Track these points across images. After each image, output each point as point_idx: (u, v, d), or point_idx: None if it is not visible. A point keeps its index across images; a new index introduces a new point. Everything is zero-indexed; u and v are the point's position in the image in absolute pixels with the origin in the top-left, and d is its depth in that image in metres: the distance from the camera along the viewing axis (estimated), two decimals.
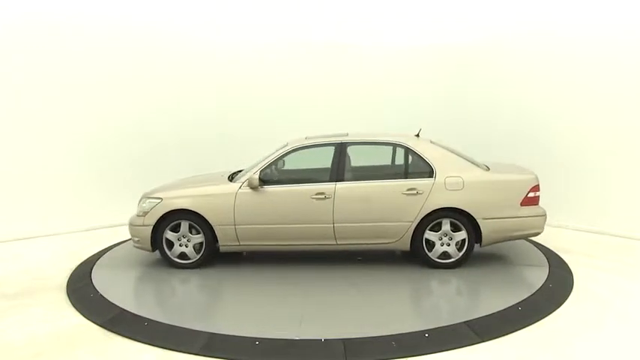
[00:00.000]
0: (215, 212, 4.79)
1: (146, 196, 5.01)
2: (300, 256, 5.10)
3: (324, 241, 4.78)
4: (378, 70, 8.48)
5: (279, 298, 4.11)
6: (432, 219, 4.65)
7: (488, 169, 4.91)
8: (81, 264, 5.11)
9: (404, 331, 3.37)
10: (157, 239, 4.87)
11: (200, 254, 4.91)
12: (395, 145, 5.07)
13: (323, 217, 4.69)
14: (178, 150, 7.45)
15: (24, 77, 6.25)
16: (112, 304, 3.94)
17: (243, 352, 3.18)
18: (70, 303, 4.07)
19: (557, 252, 5.25)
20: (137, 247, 5.02)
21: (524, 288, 4.18)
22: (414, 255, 4.78)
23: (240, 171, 5.28)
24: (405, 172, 4.96)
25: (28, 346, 3.29)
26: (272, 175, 4.96)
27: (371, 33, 8.43)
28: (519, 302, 3.86)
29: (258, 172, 4.79)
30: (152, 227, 4.83)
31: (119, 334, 3.45)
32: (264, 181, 4.79)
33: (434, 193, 4.65)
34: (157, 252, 4.98)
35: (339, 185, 4.72)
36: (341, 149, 4.86)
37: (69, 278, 4.68)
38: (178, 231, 4.87)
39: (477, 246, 4.77)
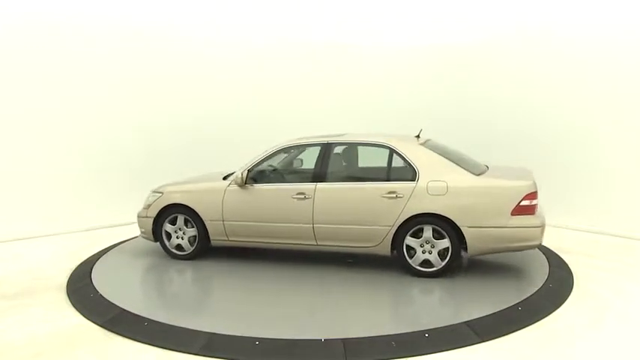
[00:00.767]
0: (206, 207, 5.02)
1: (152, 191, 5.43)
2: (300, 255, 5.10)
3: (305, 241, 4.78)
4: (378, 70, 8.49)
5: (280, 298, 4.11)
6: (413, 224, 4.40)
7: (480, 172, 4.56)
8: (81, 264, 5.11)
9: (404, 331, 3.37)
10: (157, 231, 5.21)
11: (194, 247, 5.15)
12: (380, 146, 4.79)
13: (303, 217, 4.70)
14: (178, 150, 7.45)
15: (24, 77, 6.24)
16: (112, 304, 3.94)
17: (243, 352, 3.18)
18: (70, 303, 4.07)
19: (557, 252, 5.25)
20: (144, 238, 5.42)
21: (524, 288, 4.18)
22: (396, 261, 4.59)
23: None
24: (387, 175, 4.69)
25: (28, 346, 3.29)
26: (260, 173, 5.02)
27: (371, 33, 8.44)
28: (519, 302, 3.86)
29: (246, 171, 4.91)
30: (153, 219, 5.20)
31: (119, 334, 3.45)
32: (254, 179, 4.92)
33: (415, 198, 4.38)
34: (157, 252, 5.08)
35: (320, 186, 4.70)
36: (326, 150, 4.84)
37: (69, 278, 4.68)
38: (176, 224, 5.17)
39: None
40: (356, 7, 8.32)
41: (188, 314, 3.80)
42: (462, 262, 4.82)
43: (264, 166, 5.04)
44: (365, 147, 5.00)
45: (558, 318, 3.65)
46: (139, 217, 5.38)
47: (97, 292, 4.23)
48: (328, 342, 3.25)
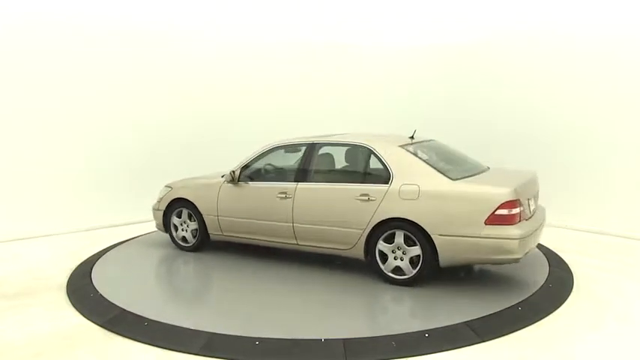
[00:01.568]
0: (204, 203, 5.30)
1: (164, 185, 5.75)
2: (302, 255, 5.10)
3: (287, 240, 4.83)
4: (378, 70, 8.49)
5: (280, 298, 4.11)
6: (386, 229, 4.23)
7: (462, 177, 4.27)
8: (81, 264, 5.10)
9: (404, 331, 3.37)
10: (167, 223, 5.60)
11: (195, 240, 5.44)
12: (360, 147, 4.70)
13: (284, 216, 4.75)
14: (179, 150, 7.45)
15: (23, 77, 6.24)
16: (112, 304, 3.94)
17: (243, 352, 3.18)
18: (70, 303, 4.07)
19: (557, 252, 5.25)
20: (158, 229, 5.81)
21: (524, 288, 4.17)
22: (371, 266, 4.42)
23: None
24: (362, 176, 4.63)
25: (28, 346, 3.29)
26: (251, 171, 5.13)
27: (371, 33, 8.44)
28: (519, 302, 3.86)
29: (239, 168, 5.08)
30: (163, 212, 5.59)
31: (119, 334, 3.45)
32: (250, 177, 5.06)
33: (387, 201, 4.22)
34: (157, 252, 5.07)
35: (300, 185, 4.72)
36: (309, 150, 4.86)
37: (69, 278, 4.67)
38: (181, 217, 5.52)
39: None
40: (356, 7, 8.32)
41: (188, 314, 3.80)
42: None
43: (256, 164, 5.14)
44: (349, 147, 4.91)
45: (558, 318, 3.65)
46: (152, 209, 5.76)
47: (97, 292, 4.23)
48: (328, 342, 3.25)
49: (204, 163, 7.27)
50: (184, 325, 3.49)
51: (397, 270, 4.25)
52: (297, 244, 4.79)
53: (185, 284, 4.68)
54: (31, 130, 6.32)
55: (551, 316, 3.67)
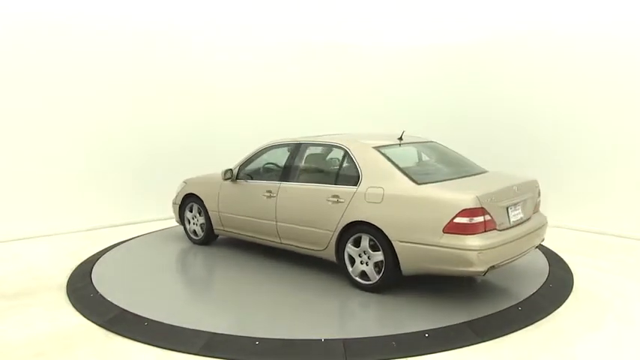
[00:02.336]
0: (209, 198, 5.56)
1: (183, 180, 6.04)
2: (304, 255, 5.10)
3: (272, 238, 4.91)
4: (378, 70, 8.49)
5: (281, 298, 4.11)
6: (354, 232, 4.14)
7: (429, 181, 4.04)
8: (81, 264, 5.10)
9: (404, 331, 3.37)
10: (182, 216, 5.95)
11: (203, 233, 5.72)
12: (337, 148, 4.63)
13: (269, 215, 4.84)
14: (179, 150, 7.45)
15: (23, 77, 6.24)
16: (112, 304, 3.94)
17: (243, 352, 3.17)
18: (70, 303, 4.07)
19: (557, 252, 5.25)
20: (176, 222, 6.14)
21: (524, 288, 4.17)
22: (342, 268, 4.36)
23: None
24: (335, 177, 4.51)
25: (28, 346, 3.29)
26: (249, 169, 5.26)
27: (371, 33, 8.44)
28: (519, 302, 3.87)
29: (237, 167, 5.26)
30: (179, 206, 5.93)
31: (119, 334, 3.45)
32: (249, 175, 5.19)
33: (354, 204, 4.12)
34: (157, 252, 5.13)
35: (283, 185, 4.78)
36: (295, 150, 4.92)
37: (69, 278, 4.67)
38: (193, 211, 5.82)
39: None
40: (356, 7, 8.32)
41: (188, 314, 3.80)
42: None
43: (252, 163, 5.26)
44: (328, 148, 4.87)
45: (558, 318, 3.65)
46: (172, 203, 6.09)
47: (97, 291, 4.23)
48: (328, 342, 3.25)
49: (204, 163, 7.27)
50: (184, 325, 3.49)
51: (364, 275, 4.14)
52: (281, 243, 4.86)
53: (185, 284, 4.67)
54: (31, 130, 6.32)
55: (551, 316, 3.67)
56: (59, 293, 4.30)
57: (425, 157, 4.90)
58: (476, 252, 3.52)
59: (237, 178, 5.25)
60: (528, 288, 4.17)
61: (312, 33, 8.32)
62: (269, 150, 5.22)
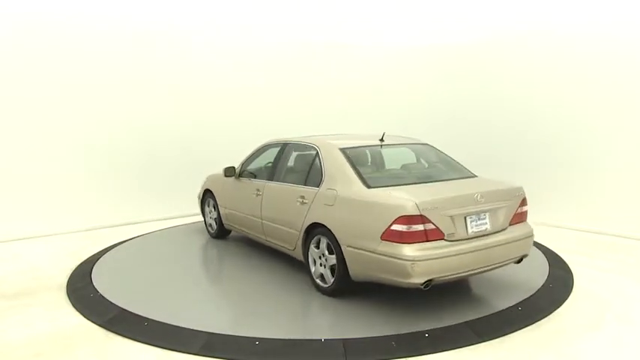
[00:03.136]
0: (218, 194, 5.88)
1: (207, 176, 6.28)
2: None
3: (260, 234, 5.08)
4: (378, 70, 8.49)
5: (281, 298, 4.11)
6: (314, 234, 4.09)
7: (381, 185, 3.88)
8: (81, 264, 5.10)
9: (404, 331, 3.37)
10: (203, 210, 6.31)
11: (217, 227, 6.00)
12: (311, 148, 4.57)
13: (257, 212, 5.01)
14: (179, 150, 7.45)
15: (24, 77, 6.24)
16: (112, 304, 3.94)
17: (243, 352, 3.17)
18: (70, 303, 4.07)
19: (557, 252, 5.25)
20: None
21: (524, 288, 4.17)
22: None
23: None
24: (305, 178, 4.46)
25: (28, 346, 3.29)
26: (248, 168, 5.42)
27: (371, 33, 8.45)
28: (519, 302, 3.86)
29: (240, 165, 5.46)
30: (200, 200, 6.32)
31: (119, 334, 3.45)
32: (250, 173, 5.32)
33: (315, 205, 4.09)
34: (157, 252, 5.17)
35: (267, 184, 4.91)
36: (281, 150, 5.02)
37: (69, 278, 4.67)
38: (210, 206, 6.11)
39: None
40: (356, 7, 8.33)
41: (188, 314, 3.80)
42: None
43: (251, 161, 5.44)
44: (305, 148, 4.81)
45: (558, 318, 3.65)
46: (197, 197, 6.42)
47: (97, 291, 4.23)
48: (328, 342, 3.25)
49: (204, 164, 7.29)
50: (184, 325, 3.49)
51: (323, 278, 4.07)
52: (266, 240, 5.00)
53: (185, 284, 4.67)
54: (31, 130, 6.33)
55: (551, 316, 3.67)
56: (59, 293, 4.30)
57: (410, 160, 4.74)
58: (409, 262, 3.30)
59: (239, 176, 5.43)
60: (528, 288, 4.16)
61: (312, 33, 8.33)
62: (265, 149, 5.34)
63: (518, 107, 7.07)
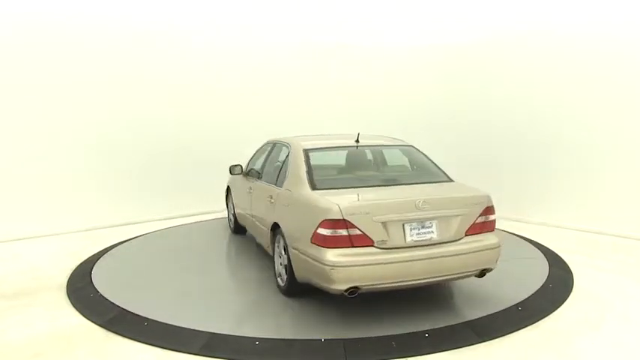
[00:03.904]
0: (232, 191, 6.20)
1: None
2: None
3: (252, 232, 5.28)
4: (378, 70, 8.49)
5: (281, 298, 4.10)
6: (276, 233, 4.12)
7: (327, 187, 3.81)
8: (81, 264, 5.10)
9: (404, 331, 3.37)
10: (228, 205, 6.55)
11: (234, 222, 6.21)
12: (287, 148, 4.57)
13: (248, 210, 5.28)
14: (179, 150, 7.45)
15: (24, 77, 6.24)
16: (112, 304, 3.94)
17: (243, 352, 3.17)
18: (70, 303, 4.07)
19: (557, 252, 5.25)
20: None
21: (524, 288, 4.17)
22: None
23: None
24: (277, 178, 4.47)
25: (28, 346, 3.29)
26: (251, 167, 5.54)
27: (371, 33, 8.45)
28: (519, 302, 3.86)
29: (246, 163, 5.65)
30: (225, 196, 6.59)
31: (119, 334, 3.44)
32: (257, 172, 5.29)
33: (277, 205, 4.16)
34: (157, 252, 5.23)
35: (256, 183, 5.07)
36: (271, 149, 5.16)
37: (69, 278, 4.67)
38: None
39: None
40: (356, 7, 8.33)
41: (188, 314, 3.80)
42: None
43: (254, 161, 5.60)
44: (285, 148, 4.75)
45: (558, 318, 3.65)
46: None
47: (97, 291, 4.23)
48: (328, 342, 3.25)
49: (204, 164, 7.29)
50: (184, 325, 3.49)
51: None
52: (255, 237, 5.19)
53: (185, 284, 4.67)
54: (32, 130, 6.32)
55: (551, 316, 3.67)
56: (59, 293, 4.30)
57: (382, 162, 4.68)
58: (328, 267, 3.22)
59: (247, 174, 5.54)
60: (528, 288, 4.16)
61: (312, 33, 8.33)
62: (265, 149, 5.46)
63: (518, 107, 7.06)
